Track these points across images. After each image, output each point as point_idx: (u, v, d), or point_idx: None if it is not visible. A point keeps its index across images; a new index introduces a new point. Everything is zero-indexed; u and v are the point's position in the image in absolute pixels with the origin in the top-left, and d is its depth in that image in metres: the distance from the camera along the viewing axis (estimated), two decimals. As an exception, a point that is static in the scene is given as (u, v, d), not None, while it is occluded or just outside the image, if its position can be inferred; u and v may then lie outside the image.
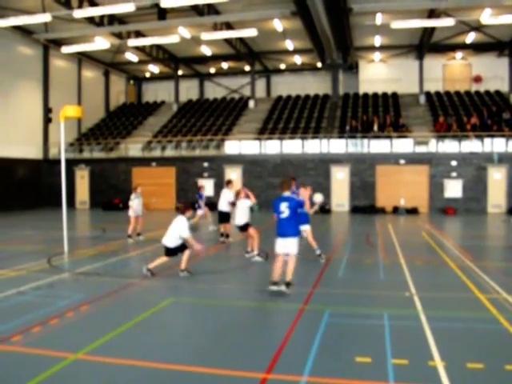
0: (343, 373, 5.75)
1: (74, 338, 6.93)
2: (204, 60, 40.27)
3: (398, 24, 27.76)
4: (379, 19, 28.49)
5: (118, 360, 6.11)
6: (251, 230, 12.84)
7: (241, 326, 7.87)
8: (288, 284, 8.98)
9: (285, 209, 9.09)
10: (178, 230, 10.69)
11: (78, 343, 6.65)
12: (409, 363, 5.95)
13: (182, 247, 10.88)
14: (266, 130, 34.45)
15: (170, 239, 10.81)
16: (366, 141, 30.86)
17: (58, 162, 15.00)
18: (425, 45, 34.33)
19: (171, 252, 10.88)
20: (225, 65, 41.75)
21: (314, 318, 7.89)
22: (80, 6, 26.47)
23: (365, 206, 29.13)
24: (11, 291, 9.47)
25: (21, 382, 5.49)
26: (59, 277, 10.94)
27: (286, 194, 9.29)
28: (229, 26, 31.04)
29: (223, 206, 16.11)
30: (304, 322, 7.73)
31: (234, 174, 31.98)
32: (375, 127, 31.55)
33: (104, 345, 6.65)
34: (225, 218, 16.14)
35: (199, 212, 20.57)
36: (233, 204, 14.95)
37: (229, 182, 16.85)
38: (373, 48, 36.78)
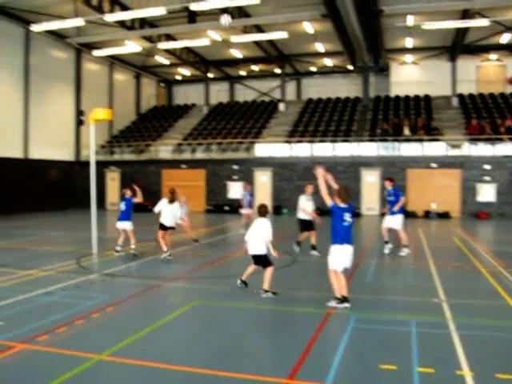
0: (367, 380, 5.65)
1: (99, 339, 6.97)
2: (234, 63, 40.39)
3: (429, 25, 27.37)
4: (411, 21, 28.11)
5: (140, 362, 6.10)
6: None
7: (265, 329, 7.81)
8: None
9: (349, 218, 8.64)
10: (264, 234, 9.57)
11: (103, 344, 6.68)
12: (435, 372, 5.80)
13: (266, 260, 9.68)
14: (296, 133, 34.32)
15: (258, 246, 9.60)
16: (397, 144, 30.49)
17: (90, 163, 15.12)
18: (458, 46, 33.77)
19: (261, 260, 9.66)
20: (255, 67, 41.76)
21: (340, 324, 7.80)
22: (111, 11, 26.87)
23: (395, 210, 28.71)
24: (39, 291, 9.59)
25: (45, 381, 5.53)
26: (87, 278, 11.04)
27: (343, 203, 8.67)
28: (259, 28, 31.03)
29: (299, 213, 14.78)
30: (329, 327, 7.64)
31: (263, 176, 31.95)
32: (406, 130, 31.15)
33: (128, 346, 6.66)
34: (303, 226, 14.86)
35: (243, 211, 20.40)
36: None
37: (307, 185, 15.02)
38: (404, 50, 36.36)
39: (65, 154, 34.41)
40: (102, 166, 33.16)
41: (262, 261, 9.63)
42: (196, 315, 8.44)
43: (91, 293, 9.67)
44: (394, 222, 14.72)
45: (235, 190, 31.90)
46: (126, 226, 14.34)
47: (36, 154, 31.38)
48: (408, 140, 30.40)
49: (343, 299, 8.55)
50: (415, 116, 33.57)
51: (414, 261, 13.63)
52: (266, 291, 9.46)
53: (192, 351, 6.62)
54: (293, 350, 6.57)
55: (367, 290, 10.03)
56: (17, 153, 30.25)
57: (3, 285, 10.22)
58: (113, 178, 34.96)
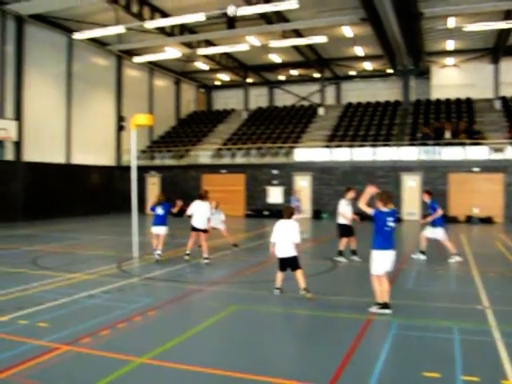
0: (410, 388, 5.56)
1: (140, 342, 7.06)
2: (273, 68, 40.42)
3: (471, 27, 26.89)
4: (451, 23, 27.71)
5: (181, 366, 6.16)
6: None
7: (305, 335, 7.77)
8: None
9: (392, 223, 8.53)
10: (292, 236, 9.56)
11: (144, 347, 6.76)
12: (480, 381, 5.67)
13: (296, 261, 9.63)
14: (336, 138, 34.14)
15: (287, 248, 9.57)
16: (438, 148, 29.99)
17: (130, 168, 15.39)
18: (500, 48, 33.08)
19: (290, 262, 9.59)
20: (294, 72, 41.70)
21: (381, 330, 7.71)
22: (152, 18, 27.31)
23: (436, 215, 28.24)
24: (82, 294, 9.78)
25: (89, 382, 5.63)
26: (128, 281, 11.20)
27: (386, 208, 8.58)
28: (298, 33, 31.02)
29: (338, 217, 14.31)
30: (371, 334, 7.56)
31: (303, 181, 31.86)
32: (448, 134, 30.63)
33: (169, 350, 6.73)
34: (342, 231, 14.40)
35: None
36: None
37: (348, 189, 14.44)
38: (445, 53, 35.79)
39: (106, 159, 35.06)
40: (142, 170, 33.55)
41: (291, 263, 9.59)
42: (235, 320, 8.47)
43: (133, 296, 9.81)
44: (437, 234, 14.57)
45: (275, 194, 31.96)
46: (161, 231, 14.28)
47: (78, 159, 32.09)
48: (449, 144, 29.88)
49: (384, 305, 8.46)
50: (457, 119, 33.00)
51: (456, 267, 13.39)
52: (305, 289, 9.47)
53: (231, 355, 6.66)
54: (333, 356, 6.53)
55: (409, 296, 9.89)
56: (60, 158, 30.99)
57: (48, 287, 10.46)
58: (153, 183, 35.41)
